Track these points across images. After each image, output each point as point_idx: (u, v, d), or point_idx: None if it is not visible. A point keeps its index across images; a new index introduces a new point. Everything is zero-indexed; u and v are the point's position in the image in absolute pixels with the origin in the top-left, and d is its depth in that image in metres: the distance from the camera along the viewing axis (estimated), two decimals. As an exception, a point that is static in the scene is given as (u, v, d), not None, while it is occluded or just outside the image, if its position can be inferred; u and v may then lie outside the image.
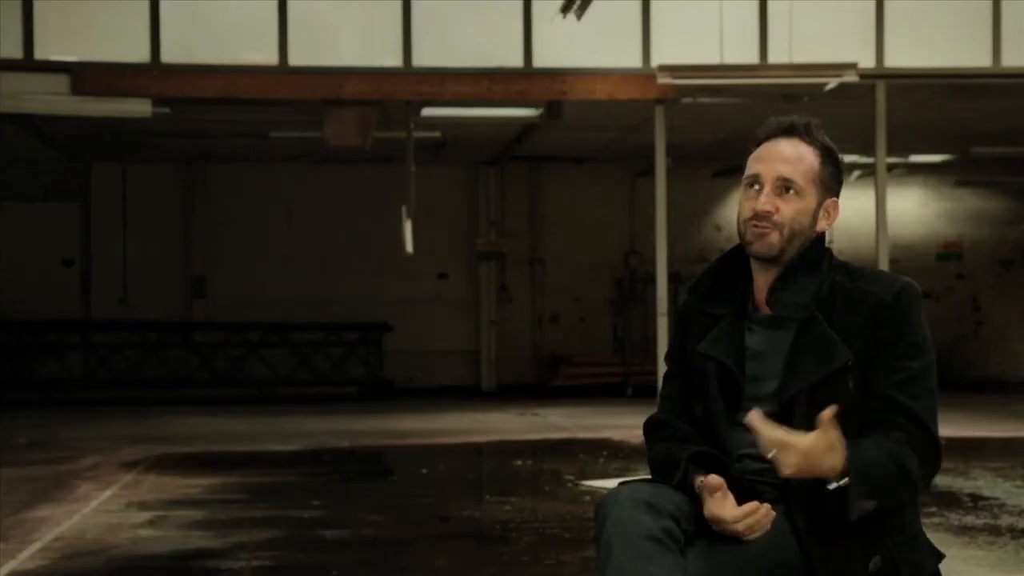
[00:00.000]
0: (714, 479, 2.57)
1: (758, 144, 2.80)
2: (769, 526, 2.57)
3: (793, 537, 2.61)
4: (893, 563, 2.62)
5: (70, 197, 18.34)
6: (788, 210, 2.73)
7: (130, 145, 16.14)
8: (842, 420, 2.60)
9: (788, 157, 2.75)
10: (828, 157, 2.79)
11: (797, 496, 2.61)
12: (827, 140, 2.81)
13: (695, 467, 2.64)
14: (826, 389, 2.64)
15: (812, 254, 2.77)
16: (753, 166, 2.78)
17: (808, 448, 2.50)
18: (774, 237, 2.72)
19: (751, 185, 2.77)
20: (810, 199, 2.75)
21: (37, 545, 6.47)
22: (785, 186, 2.73)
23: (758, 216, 2.72)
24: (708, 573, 2.50)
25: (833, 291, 2.73)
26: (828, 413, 2.51)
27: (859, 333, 2.67)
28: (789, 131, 2.78)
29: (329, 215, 18.73)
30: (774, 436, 2.52)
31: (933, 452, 2.65)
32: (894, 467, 2.57)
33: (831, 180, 2.79)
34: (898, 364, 2.65)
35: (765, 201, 2.73)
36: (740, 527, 2.54)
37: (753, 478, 2.69)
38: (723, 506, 2.57)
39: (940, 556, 2.74)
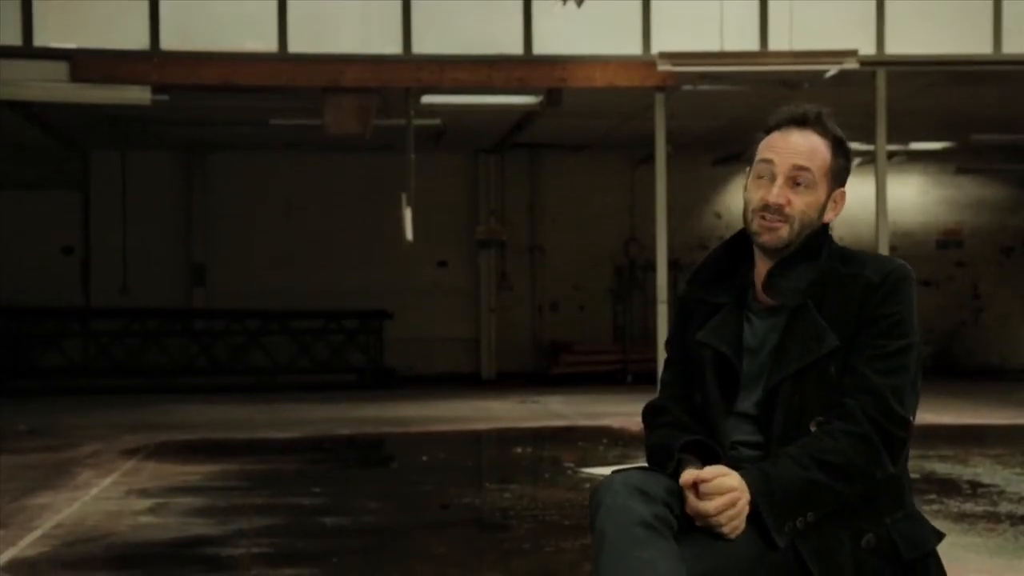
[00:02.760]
0: (687, 476, 2.55)
1: (768, 131, 2.78)
2: (744, 524, 2.54)
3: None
4: (890, 539, 2.61)
5: (69, 185, 18.33)
6: (800, 203, 2.71)
7: (129, 133, 16.12)
8: (824, 406, 2.62)
9: (801, 150, 2.72)
10: (839, 148, 2.77)
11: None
12: (838, 130, 2.79)
13: (687, 456, 2.63)
14: (810, 375, 2.65)
15: (813, 242, 2.75)
16: (765, 153, 2.74)
17: (716, 509, 2.51)
18: (784, 231, 2.71)
19: (762, 174, 2.74)
20: (821, 192, 2.74)
21: (38, 532, 6.48)
22: (798, 180, 2.71)
23: (769, 208, 2.70)
24: (702, 557, 2.49)
25: (826, 277, 2.72)
26: (688, 479, 2.53)
27: (848, 317, 2.66)
28: (802, 122, 2.75)
29: (329, 203, 18.72)
30: (694, 509, 2.53)
31: (895, 430, 2.60)
32: (819, 471, 2.54)
33: (841, 171, 2.78)
34: (875, 342, 2.64)
35: (778, 193, 2.70)
36: (722, 519, 2.51)
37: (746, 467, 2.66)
38: (699, 500, 2.54)
39: (941, 535, 2.73)
